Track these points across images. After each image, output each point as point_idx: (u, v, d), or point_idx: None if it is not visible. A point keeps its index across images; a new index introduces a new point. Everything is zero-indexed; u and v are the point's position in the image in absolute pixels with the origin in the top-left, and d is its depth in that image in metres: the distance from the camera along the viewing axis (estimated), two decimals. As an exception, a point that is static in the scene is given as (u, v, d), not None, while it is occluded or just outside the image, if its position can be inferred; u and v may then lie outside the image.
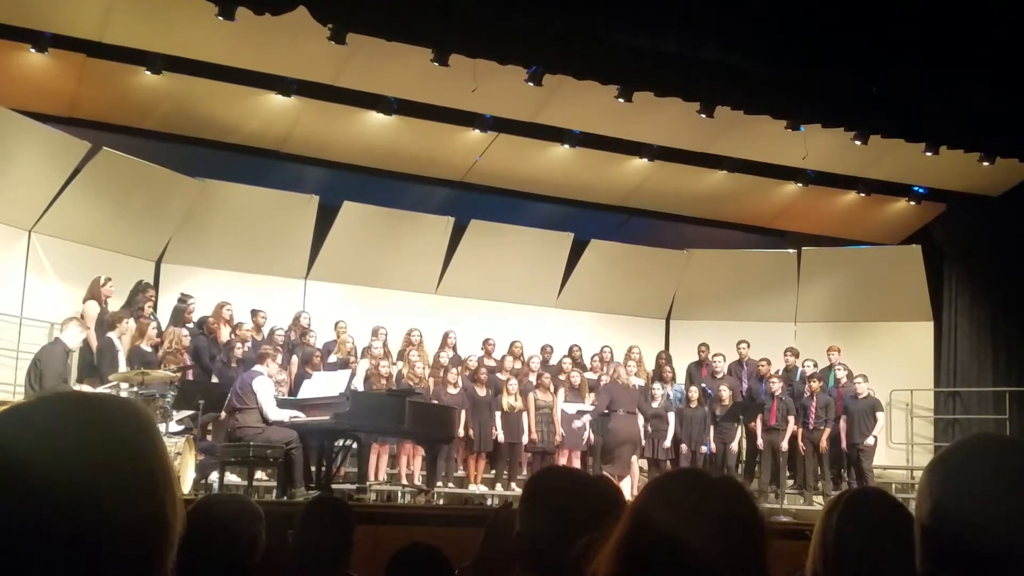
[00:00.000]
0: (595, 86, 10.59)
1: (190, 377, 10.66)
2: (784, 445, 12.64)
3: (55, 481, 1.04)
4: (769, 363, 13.35)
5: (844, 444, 12.73)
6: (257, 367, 9.97)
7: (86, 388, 9.26)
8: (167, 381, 9.66)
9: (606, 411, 12.13)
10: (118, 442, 1.09)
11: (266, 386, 9.71)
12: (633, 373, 12.87)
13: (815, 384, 12.81)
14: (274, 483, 10.14)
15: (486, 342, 13.34)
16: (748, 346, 13.70)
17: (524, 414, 12.36)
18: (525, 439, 12.35)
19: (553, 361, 13.40)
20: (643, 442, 12.43)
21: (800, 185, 13.97)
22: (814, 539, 2.23)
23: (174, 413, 9.36)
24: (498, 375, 12.69)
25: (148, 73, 11.26)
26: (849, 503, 2.25)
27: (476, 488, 12.24)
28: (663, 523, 1.45)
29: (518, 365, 13.12)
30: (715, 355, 13.45)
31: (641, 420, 12.40)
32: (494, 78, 10.68)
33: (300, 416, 9.58)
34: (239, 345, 11.09)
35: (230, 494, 8.21)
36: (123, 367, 9.91)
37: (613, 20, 9.38)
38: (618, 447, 12.09)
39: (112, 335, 10.26)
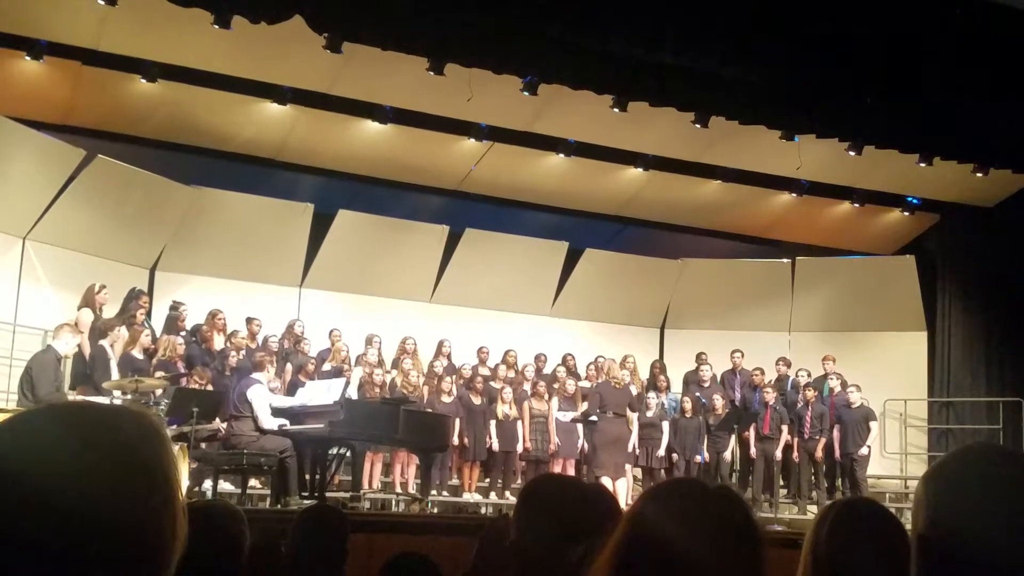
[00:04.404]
0: (590, 96, 10.61)
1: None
2: (778, 454, 12.66)
3: (59, 492, 1.04)
4: (763, 372, 13.37)
5: (838, 454, 12.74)
6: (254, 375, 9.95)
7: (79, 396, 9.24)
8: (160, 389, 9.64)
9: (594, 416, 12.16)
10: (125, 455, 1.09)
11: (261, 394, 9.70)
12: (628, 383, 12.89)
13: (810, 393, 12.83)
14: (268, 491, 10.13)
15: (480, 351, 13.34)
16: (742, 355, 13.72)
17: (519, 423, 12.36)
18: (519, 448, 12.35)
19: (547, 370, 13.40)
20: (636, 449, 12.44)
21: (794, 195, 14.00)
22: (805, 548, 2.23)
23: (174, 427, 9.35)
24: (492, 384, 12.69)
25: (143, 81, 11.26)
26: (840, 513, 2.26)
27: (470, 497, 12.24)
28: (660, 532, 1.45)
29: (512, 374, 13.12)
30: (702, 364, 13.47)
31: (635, 425, 12.40)
32: (489, 87, 10.69)
33: (289, 425, 9.58)
34: (233, 353, 11.07)
35: (210, 499, 8.19)
36: (115, 375, 9.89)
37: (609, 30, 9.40)
38: (605, 447, 12.10)
39: (104, 343, 10.24)
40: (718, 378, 13.58)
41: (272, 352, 11.50)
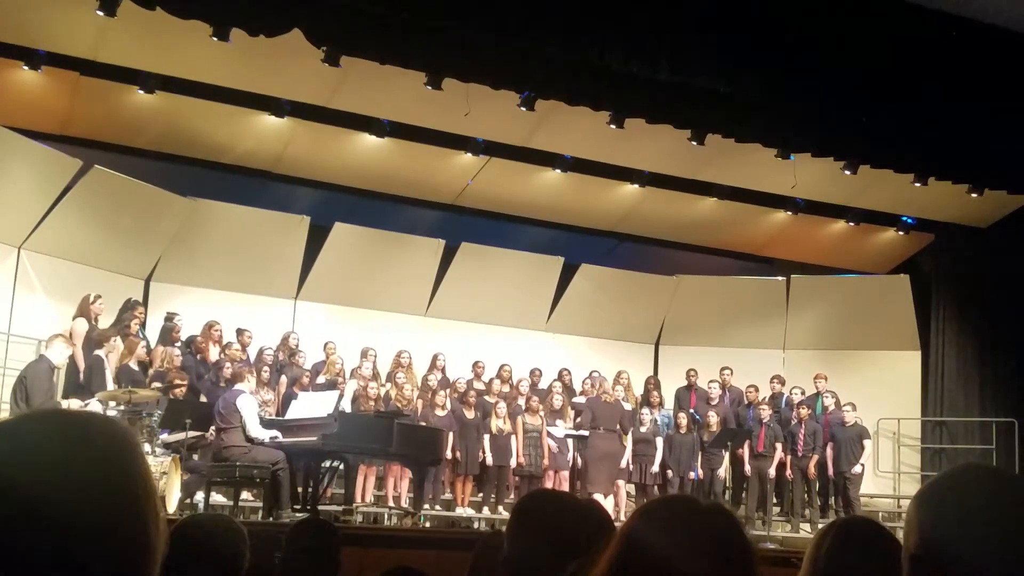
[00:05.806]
0: (587, 112, 10.64)
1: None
2: (771, 472, 12.64)
3: (36, 499, 1.04)
4: (757, 390, 13.37)
5: (831, 472, 12.73)
6: (237, 386, 9.94)
7: (72, 405, 9.20)
8: (155, 400, 9.62)
9: (586, 432, 12.16)
10: (100, 460, 1.10)
11: (250, 404, 9.67)
12: (622, 398, 12.89)
13: (804, 411, 12.82)
14: (260, 504, 10.09)
15: (475, 365, 13.32)
16: (731, 373, 13.71)
17: (512, 437, 12.34)
18: (513, 462, 12.33)
19: (542, 384, 13.38)
20: (630, 465, 12.42)
21: (789, 213, 14.03)
22: (804, 566, 2.23)
23: (164, 436, 9.31)
24: (487, 398, 12.68)
25: (141, 92, 11.27)
26: (841, 532, 2.26)
27: (463, 511, 12.21)
28: (654, 548, 1.45)
29: (506, 388, 13.11)
30: (711, 381, 13.45)
31: (629, 441, 12.39)
32: (487, 102, 10.72)
33: (281, 437, 9.55)
34: (228, 365, 11.05)
35: (213, 514, 8.16)
36: (111, 385, 9.87)
37: (606, 47, 9.43)
38: (596, 464, 12.09)
39: (100, 353, 10.21)
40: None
41: (266, 364, 11.51)
